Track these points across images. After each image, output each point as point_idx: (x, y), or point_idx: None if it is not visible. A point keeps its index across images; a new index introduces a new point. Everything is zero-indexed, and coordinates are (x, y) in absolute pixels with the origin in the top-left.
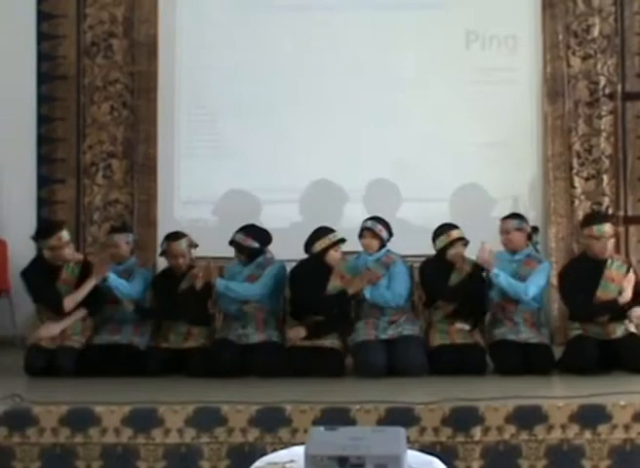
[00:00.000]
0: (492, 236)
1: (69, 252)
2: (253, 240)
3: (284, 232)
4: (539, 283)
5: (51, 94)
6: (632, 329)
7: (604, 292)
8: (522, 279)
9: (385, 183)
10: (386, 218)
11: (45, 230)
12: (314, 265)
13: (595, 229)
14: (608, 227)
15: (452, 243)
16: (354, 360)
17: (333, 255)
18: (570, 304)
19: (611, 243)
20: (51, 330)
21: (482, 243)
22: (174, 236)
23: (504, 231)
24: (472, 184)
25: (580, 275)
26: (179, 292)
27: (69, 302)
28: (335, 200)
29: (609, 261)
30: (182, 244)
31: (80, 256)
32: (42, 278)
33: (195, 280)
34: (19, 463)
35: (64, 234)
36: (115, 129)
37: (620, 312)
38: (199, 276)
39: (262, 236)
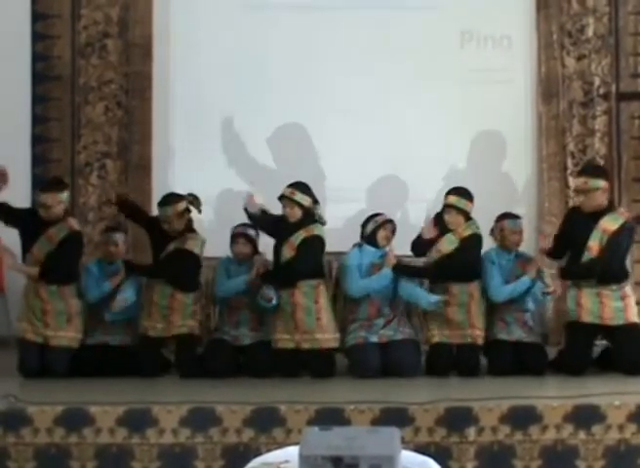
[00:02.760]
0: (486, 235)
1: (58, 212)
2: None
3: None
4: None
5: (45, 94)
6: (633, 317)
7: (594, 243)
8: (516, 276)
9: (380, 183)
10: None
11: (45, 185)
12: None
13: (582, 181)
14: (599, 181)
15: (445, 207)
16: (348, 362)
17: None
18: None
19: (598, 195)
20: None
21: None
22: (163, 201)
23: (512, 231)
24: (465, 184)
25: (575, 228)
26: (166, 252)
27: (6, 258)
28: (330, 199)
29: (608, 213)
30: (168, 210)
31: (76, 227)
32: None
33: (185, 243)
34: (13, 463)
35: (62, 195)
36: (110, 129)
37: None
38: (190, 241)
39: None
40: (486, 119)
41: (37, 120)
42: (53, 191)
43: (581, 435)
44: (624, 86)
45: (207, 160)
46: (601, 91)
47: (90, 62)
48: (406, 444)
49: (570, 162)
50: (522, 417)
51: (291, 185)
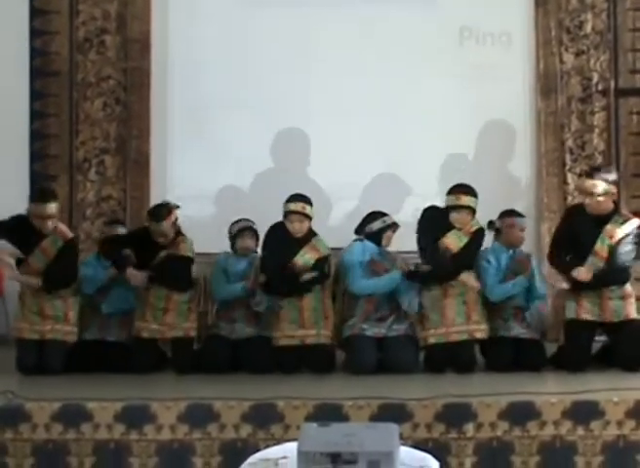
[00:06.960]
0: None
1: (51, 224)
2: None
3: None
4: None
5: (43, 90)
6: (633, 314)
7: (601, 248)
8: (515, 274)
9: (378, 180)
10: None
11: (38, 196)
12: (284, 231)
13: (587, 184)
14: (601, 185)
15: (458, 207)
16: (345, 356)
17: (292, 227)
18: (555, 256)
19: (607, 199)
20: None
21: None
22: (156, 217)
23: (520, 229)
24: (465, 180)
25: (578, 230)
26: (160, 258)
27: (6, 268)
28: (326, 196)
29: (615, 217)
30: (164, 225)
31: (69, 234)
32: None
33: (177, 247)
34: (11, 459)
35: (52, 206)
36: (108, 125)
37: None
38: (182, 245)
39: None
40: (484, 115)
41: (35, 116)
42: (52, 201)
43: (580, 431)
44: (623, 82)
45: (205, 156)
46: (600, 87)
47: (88, 58)
48: (404, 440)
49: (568, 158)
50: (521, 413)
51: (296, 199)
